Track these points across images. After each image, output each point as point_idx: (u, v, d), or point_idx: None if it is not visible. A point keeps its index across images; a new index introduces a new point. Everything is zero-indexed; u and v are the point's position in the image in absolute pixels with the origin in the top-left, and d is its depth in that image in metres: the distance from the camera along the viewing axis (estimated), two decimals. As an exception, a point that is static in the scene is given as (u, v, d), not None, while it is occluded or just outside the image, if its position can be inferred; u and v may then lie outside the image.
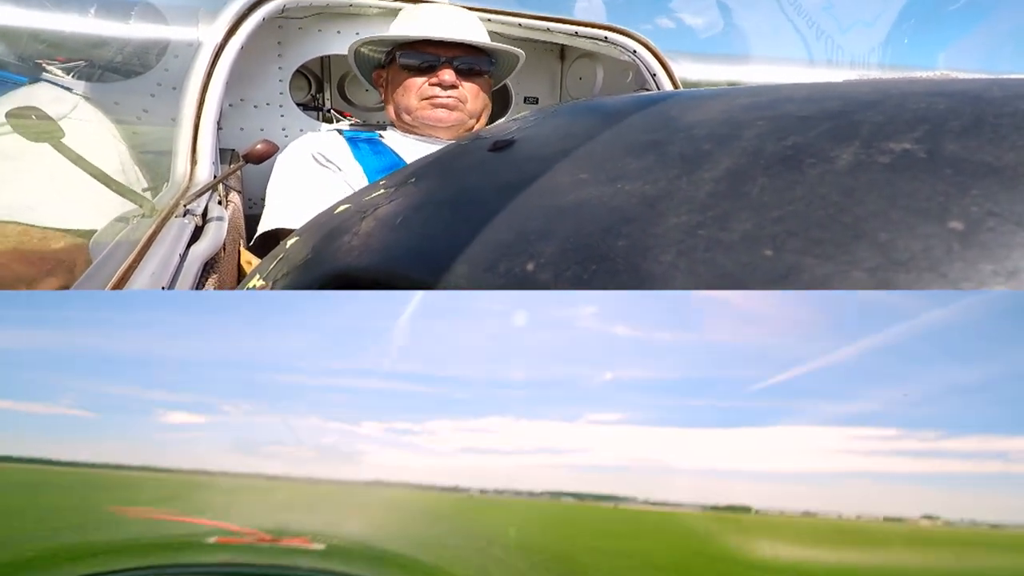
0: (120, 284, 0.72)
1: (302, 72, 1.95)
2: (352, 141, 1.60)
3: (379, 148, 1.59)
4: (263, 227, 1.45)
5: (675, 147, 0.38)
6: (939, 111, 0.32)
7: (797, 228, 0.28)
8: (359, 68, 1.68)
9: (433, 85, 1.56)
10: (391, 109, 1.65)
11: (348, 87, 2.07)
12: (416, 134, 1.63)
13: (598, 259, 0.30)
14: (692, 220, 0.30)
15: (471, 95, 1.59)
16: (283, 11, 1.57)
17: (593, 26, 1.85)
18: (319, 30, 1.78)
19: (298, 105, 1.87)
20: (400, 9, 1.74)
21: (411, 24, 1.58)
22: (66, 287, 0.81)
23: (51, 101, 1.34)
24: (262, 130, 1.80)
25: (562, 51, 2.17)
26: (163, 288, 0.76)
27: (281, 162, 1.58)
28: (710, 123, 0.39)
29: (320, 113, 2.03)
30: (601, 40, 1.86)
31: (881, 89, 0.37)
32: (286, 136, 1.81)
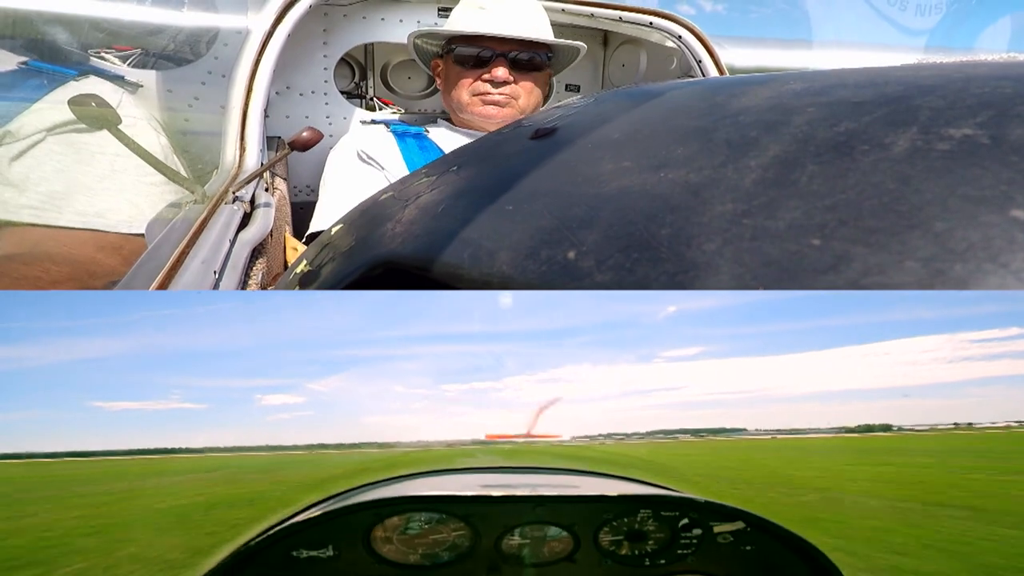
0: (174, 269, 0.75)
1: (346, 60, 1.97)
2: (399, 136, 1.61)
3: (425, 144, 1.59)
4: (312, 228, 1.50)
5: (721, 134, 0.37)
6: (1005, 95, 0.31)
7: (848, 217, 0.27)
8: (419, 56, 1.68)
9: (485, 81, 1.54)
10: (446, 100, 1.66)
11: (391, 75, 2.08)
12: (468, 128, 1.63)
13: (641, 248, 0.30)
14: (737, 209, 0.30)
15: (524, 91, 1.57)
16: None
17: (638, 11, 1.81)
18: (363, 17, 1.80)
19: (342, 93, 1.89)
20: None
21: (470, 14, 1.56)
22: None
23: (108, 92, 1.39)
24: (307, 118, 1.83)
25: (605, 37, 2.14)
26: (215, 273, 0.78)
27: (330, 161, 1.62)
28: (758, 109, 0.38)
29: (363, 101, 2.05)
30: (645, 25, 1.83)
31: (942, 73, 0.36)
32: (330, 124, 1.84)
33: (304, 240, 1.48)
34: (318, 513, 0.72)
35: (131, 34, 1.58)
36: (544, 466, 1.12)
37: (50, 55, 1.43)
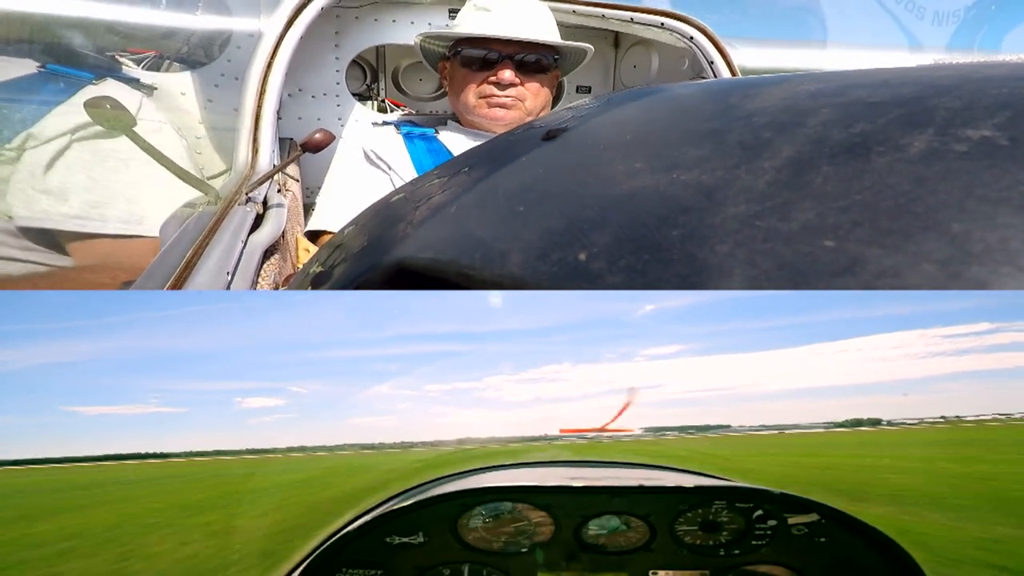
0: (187, 270, 0.75)
1: (357, 62, 1.98)
2: (408, 137, 1.61)
3: (434, 146, 1.59)
4: (311, 225, 1.51)
5: (734, 135, 0.37)
6: (1022, 96, 0.30)
7: (862, 218, 0.27)
8: (426, 58, 1.69)
9: (491, 83, 1.54)
10: (453, 102, 1.66)
11: (402, 77, 2.09)
12: (476, 129, 1.63)
13: (652, 249, 0.30)
14: (750, 210, 0.30)
15: (531, 93, 1.56)
16: (340, 1, 1.59)
17: (650, 12, 1.81)
18: (375, 19, 1.81)
19: (353, 95, 1.90)
20: None
21: (476, 16, 1.56)
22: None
23: (125, 96, 1.40)
24: (319, 119, 1.84)
25: (616, 38, 2.14)
26: (227, 274, 0.79)
27: (336, 158, 1.63)
28: (771, 110, 0.38)
29: (375, 103, 2.06)
30: (657, 27, 1.82)
31: (960, 74, 0.35)
32: (342, 125, 1.85)
33: (304, 234, 1.49)
34: (410, 502, 0.77)
35: (146, 37, 1.60)
36: (617, 460, 1.16)
37: (67, 59, 1.44)
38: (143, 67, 1.58)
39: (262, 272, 0.97)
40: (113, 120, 1.24)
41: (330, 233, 1.46)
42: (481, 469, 1.07)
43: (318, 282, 0.48)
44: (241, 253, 0.89)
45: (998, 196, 0.25)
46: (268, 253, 1.03)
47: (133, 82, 1.52)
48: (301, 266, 1.15)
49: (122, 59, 1.56)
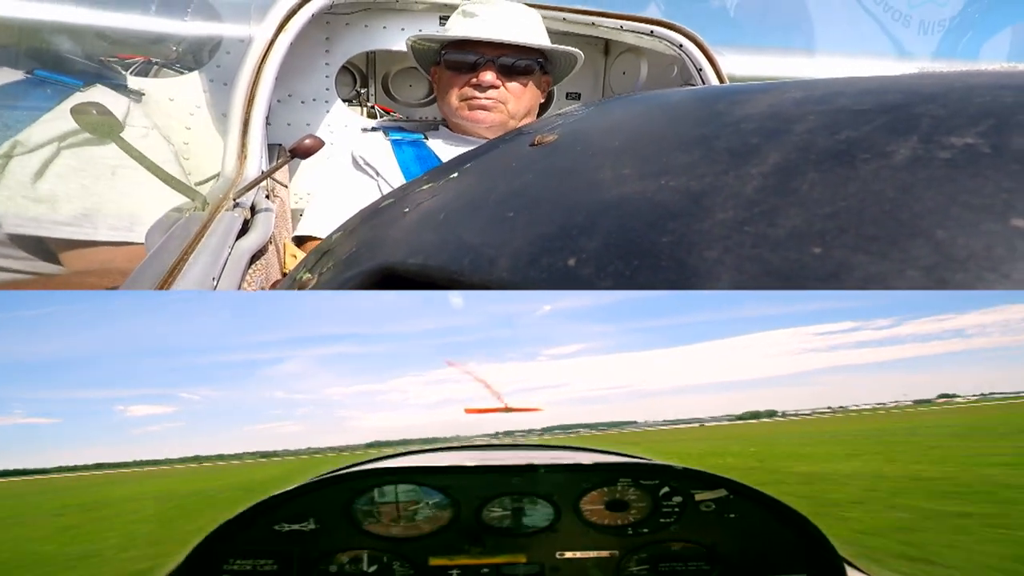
0: (173, 275, 0.75)
1: (347, 68, 1.98)
2: (396, 144, 1.62)
3: (423, 152, 1.60)
4: (298, 230, 1.51)
5: (721, 141, 0.37)
6: (1006, 104, 0.31)
7: (848, 225, 0.27)
8: (419, 63, 1.70)
9: (472, 85, 1.55)
10: (440, 107, 1.68)
11: (392, 83, 2.09)
12: (465, 134, 1.64)
13: (641, 255, 0.30)
14: (738, 216, 0.30)
15: (513, 96, 1.57)
16: (331, 7, 1.59)
17: (639, 20, 1.82)
18: (365, 25, 1.81)
19: (343, 100, 1.90)
20: (445, 4, 1.75)
21: (462, 21, 1.58)
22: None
23: (114, 102, 1.39)
24: (308, 125, 1.84)
25: (606, 46, 2.15)
26: (213, 279, 0.78)
27: (325, 163, 1.63)
28: (758, 117, 0.38)
29: (365, 109, 2.06)
30: (646, 34, 1.84)
31: (943, 82, 0.36)
32: (331, 131, 1.84)
33: (292, 240, 1.49)
34: (294, 487, 0.75)
35: (134, 43, 1.59)
36: (524, 442, 1.14)
37: (55, 64, 1.43)
38: (131, 73, 1.57)
39: (249, 278, 0.96)
40: (100, 126, 1.22)
41: (316, 239, 1.46)
42: (384, 457, 1.04)
43: (305, 287, 0.48)
44: (227, 259, 0.89)
45: (981, 202, 0.25)
46: (255, 259, 1.02)
47: (121, 88, 1.52)
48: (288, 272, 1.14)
49: (110, 65, 1.55)
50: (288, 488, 0.75)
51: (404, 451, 1.10)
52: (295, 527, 0.75)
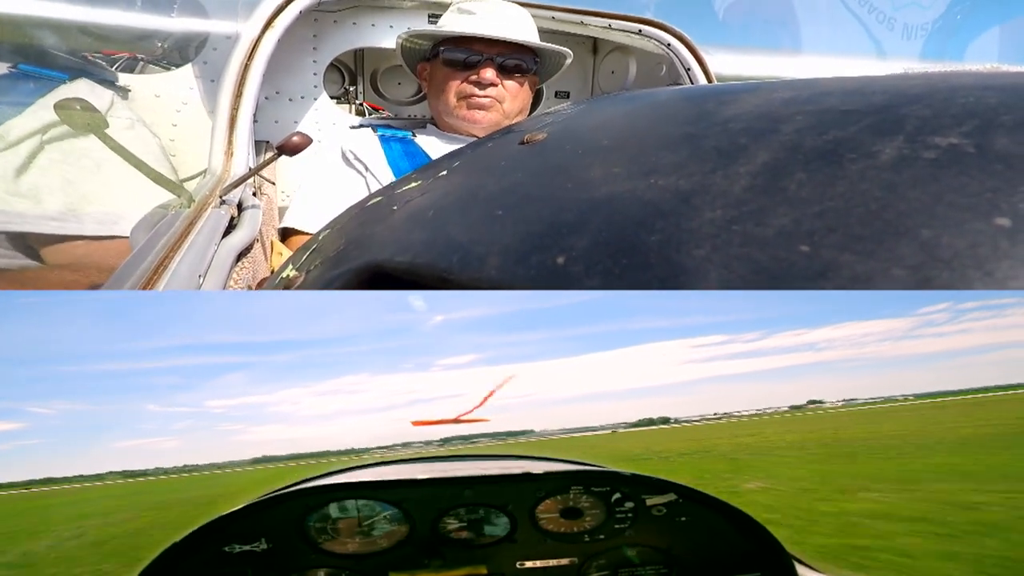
0: (157, 273, 0.74)
1: (335, 65, 1.97)
2: (385, 140, 1.61)
3: (412, 149, 1.60)
4: (284, 222, 1.50)
5: (710, 141, 0.37)
6: (989, 105, 0.31)
7: (835, 224, 0.27)
8: (405, 60, 1.69)
9: (472, 83, 1.55)
10: (432, 105, 1.66)
11: (381, 81, 2.08)
12: (453, 133, 1.64)
13: (629, 253, 0.30)
14: (726, 215, 0.30)
15: (510, 95, 1.58)
16: (319, 4, 1.58)
17: (628, 19, 1.83)
18: (354, 23, 1.80)
19: (331, 98, 1.89)
20: (434, 2, 1.74)
21: (459, 18, 1.57)
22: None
23: (94, 96, 1.37)
24: (296, 122, 1.82)
25: (595, 44, 2.15)
26: (199, 277, 0.77)
27: (313, 160, 1.62)
28: (746, 117, 0.39)
29: (353, 106, 2.04)
30: (635, 33, 1.84)
31: (928, 83, 0.36)
32: (319, 129, 1.83)
33: (277, 234, 1.48)
34: (241, 506, 0.73)
35: (120, 38, 1.57)
36: (476, 453, 1.13)
37: (40, 59, 1.41)
38: (117, 68, 1.55)
39: (235, 276, 0.95)
40: (84, 121, 1.21)
41: (302, 232, 1.46)
42: (336, 472, 1.03)
43: (292, 285, 0.47)
44: (214, 256, 0.88)
45: (965, 202, 0.26)
46: (241, 256, 1.01)
47: (106, 83, 1.50)
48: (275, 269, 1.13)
49: (96, 60, 1.53)
50: (235, 508, 0.73)
51: (353, 466, 1.08)
52: (246, 547, 0.73)
